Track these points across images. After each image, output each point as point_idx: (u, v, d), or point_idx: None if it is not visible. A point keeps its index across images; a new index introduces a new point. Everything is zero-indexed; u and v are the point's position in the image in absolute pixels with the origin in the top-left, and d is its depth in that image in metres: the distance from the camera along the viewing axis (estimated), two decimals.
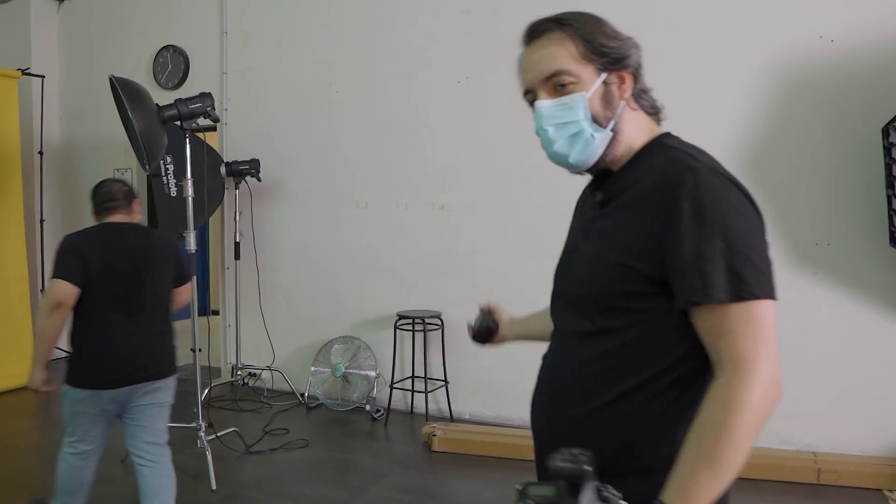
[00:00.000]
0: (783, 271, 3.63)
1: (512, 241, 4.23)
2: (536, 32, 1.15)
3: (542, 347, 1.28)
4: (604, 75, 1.11)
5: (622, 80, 1.13)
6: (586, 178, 1.25)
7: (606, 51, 1.11)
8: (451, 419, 4.41)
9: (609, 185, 1.16)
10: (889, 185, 3.13)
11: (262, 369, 5.05)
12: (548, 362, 1.22)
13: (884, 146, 3.11)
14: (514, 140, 4.23)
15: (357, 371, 4.60)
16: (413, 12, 4.53)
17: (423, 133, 4.53)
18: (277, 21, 5.03)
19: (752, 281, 0.96)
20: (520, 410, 4.28)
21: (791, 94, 3.64)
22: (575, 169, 1.15)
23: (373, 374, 4.57)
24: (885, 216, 3.20)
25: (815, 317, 3.62)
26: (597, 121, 1.10)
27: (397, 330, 4.38)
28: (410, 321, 4.35)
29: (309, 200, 4.94)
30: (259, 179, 4.83)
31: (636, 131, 1.15)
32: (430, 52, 4.48)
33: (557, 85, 1.10)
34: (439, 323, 4.39)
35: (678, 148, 1.11)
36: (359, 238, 4.77)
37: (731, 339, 0.96)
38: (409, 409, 4.56)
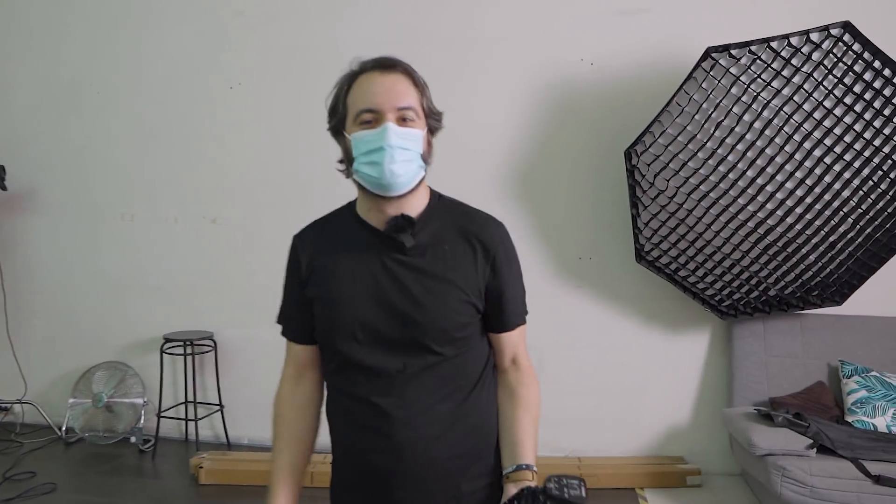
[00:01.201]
0: (551, 284, 3.80)
1: (286, 258, 4.03)
2: (391, 65, 1.30)
3: None
4: (428, 128, 1.33)
5: (431, 136, 1.35)
6: None
7: (434, 113, 1.34)
8: (229, 446, 4.16)
9: (419, 230, 1.33)
10: (633, 205, 3.29)
11: (12, 403, 4.49)
12: (385, 403, 1.31)
13: (626, 168, 3.26)
14: (290, 152, 4.05)
15: (122, 399, 4.21)
16: (181, 8, 4.19)
17: (193, 141, 4.22)
18: (27, 7, 4.46)
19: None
20: None
21: (554, 114, 3.75)
22: (394, 189, 1.28)
23: (140, 401, 4.20)
24: (632, 233, 3.37)
25: (579, 328, 3.77)
26: (424, 158, 1.30)
27: (164, 354, 4.05)
28: (180, 344, 4.04)
29: (67, 213, 4.45)
30: (5, 188, 4.28)
31: (424, 182, 1.37)
32: (201, 55, 4.18)
33: (403, 119, 1.27)
34: (212, 344, 4.12)
35: (463, 203, 1.43)
36: (124, 254, 4.36)
37: (524, 347, 1.44)
38: (184, 437, 4.24)
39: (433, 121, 1.34)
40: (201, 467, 3.64)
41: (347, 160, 1.34)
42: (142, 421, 4.18)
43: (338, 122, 1.33)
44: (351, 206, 1.43)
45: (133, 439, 4.12)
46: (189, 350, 4.05)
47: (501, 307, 1.37)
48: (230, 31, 4.13)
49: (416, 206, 1.34)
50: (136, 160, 4.31)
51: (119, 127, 4.33)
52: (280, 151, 4.09)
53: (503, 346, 1.41)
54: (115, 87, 4.32)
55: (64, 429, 4.29)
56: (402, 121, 1.26)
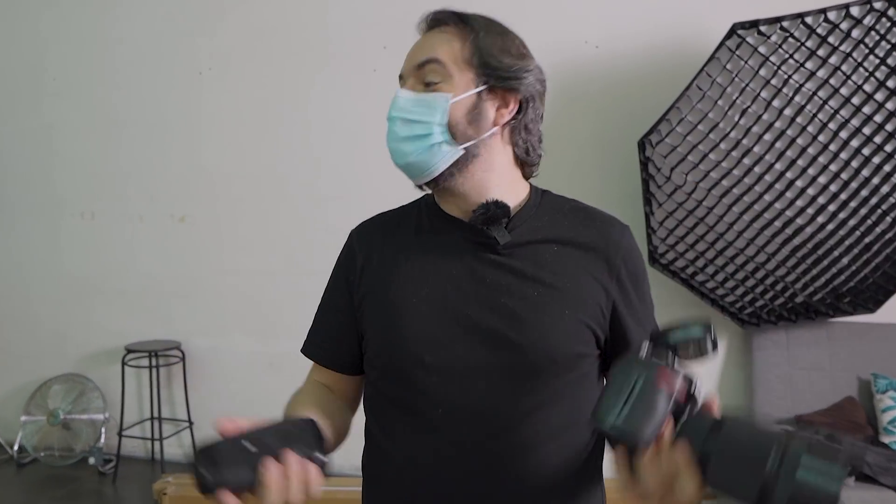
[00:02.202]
0: None
1: (263, 260, 3.70)
2: (434, 22, 1.04)
3: None
4: (481, 87, 0.99)
5: (503, 103, 1.01)
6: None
7: (495, 64, 0.99)
8: None
9: (517, 226, 1.02)
10: (646, 201, 2.96)
11: None
12: (461, 465, 0.96)
13: (640, 161, 2.93)
14: (266, 144, 3.72)
15: (81, 416, 3.85)
16: None
17: (160, 132, 3.87)
18: None
19: None
20: None
21: (557, 100, 3.44)
22: (415, 172, 1.00)
23: (100, 418, 3.84)
24: (645, 234, 3.05)
25: None
26: (453, 132, 0.98)
27: (126, 366, 3.69)
28: (144, 355, 3.68)
29: (23, 210, 4.10)
30: None
31: (507, 169, 1.04)
32: (167, 37, 3.84)
33: (425, 79, 0.99)
34: (180, 355, 3.77)
35: (575, 199, 1.10)
36: (85, 255, 4.00)
37: None
38: (150, 456, 3.89)
39: (494, 77, 0.99)
40: (165, 493, 3.27)
41: None
42: (102, 439, 3.82)
43: None
44: (429, 195, 1.12)
45: (92, 460, 3.76)
46: (154, 361, 3.69)
47: (627, 340, 1.01)
48: (200, 12, 3.80)
49: (505, 197, 1.02)
50: (97, 153, 3.98)
51: (79, 116, 3.99)
52: (255, 143, 3.75)
53: None
54: (75, 72, 3.99)
55: (16, 448, 3.93)
56: (426, 84, 0.99)
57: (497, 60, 0.99)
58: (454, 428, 0.95)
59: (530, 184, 1.10)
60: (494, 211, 0.99)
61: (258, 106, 3.73)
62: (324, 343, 1.09)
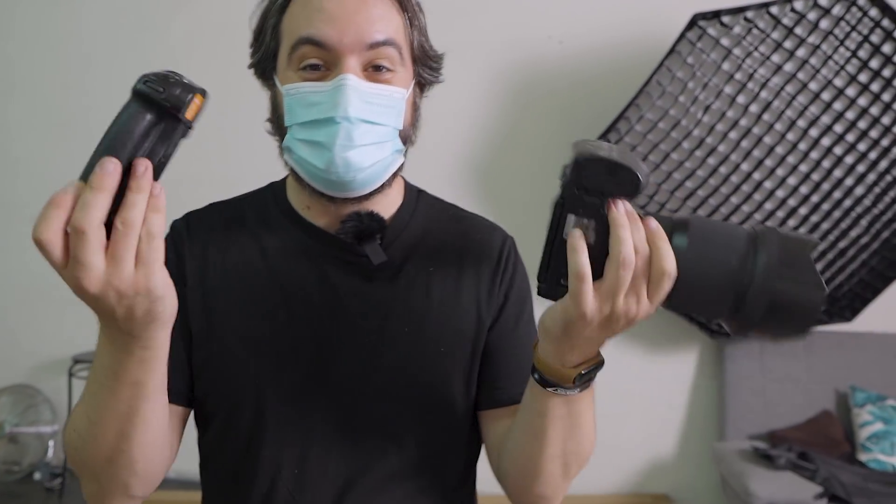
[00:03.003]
0: None
1: None
2: None
3: None
4: (413, 85, 0.85)
5: (416, 106, 0.88)
6: None
7: (431, 53, 0.86)
8: None
9: (391, 241, 0.88)
10: None
11: None
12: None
13: None
14: (221, 146, 3.58)
15: (28, 429, 3.73)
16: None
17: None
18: None
19: None
20: None
21: (520, 98, 3.36)
22: (350, 188, 0.81)
23: (48, 430, 3.72)
24: None
25: None
26: (403, 138, 0.84)
27: (73, 377, 3.58)
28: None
29: None
30: None
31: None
32: (121, 34, 3.73)
33: (375, 65, 0.79)
34: None
35: (452, 204, 0.97)
36: (35, 262, 3.81)
37: None
38: None
39: (427, 69, 0.87)
40: None
41: (276, 124, 0.87)
42: (50, 453, 3.70)
43: (263, 56, 0.86)
44: (276, 190, 0.94)
45: (38, 475, 3.64)
46: None
47: (497, 365, 0.90)
48: (159, 8, 3.71)
49: (385, 207, 0.89)
50: (47, 154, 3.86)
51: (27, 116, 3.88)
52: (209, 145, 3.61)
53: (492, 429, 0.91)
54: (25, 72, 3.88)
55: None
56: (376, 70, 0.80)
57: (431, 49, 0.87)
58: (300, 497, 0.83)
59: (404, 180, 0.95)
60: (368, 224, 0.84)
61: (216, 106, 3.57)
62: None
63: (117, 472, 0.74)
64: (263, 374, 0.83)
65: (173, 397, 0.84)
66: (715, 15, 2.61)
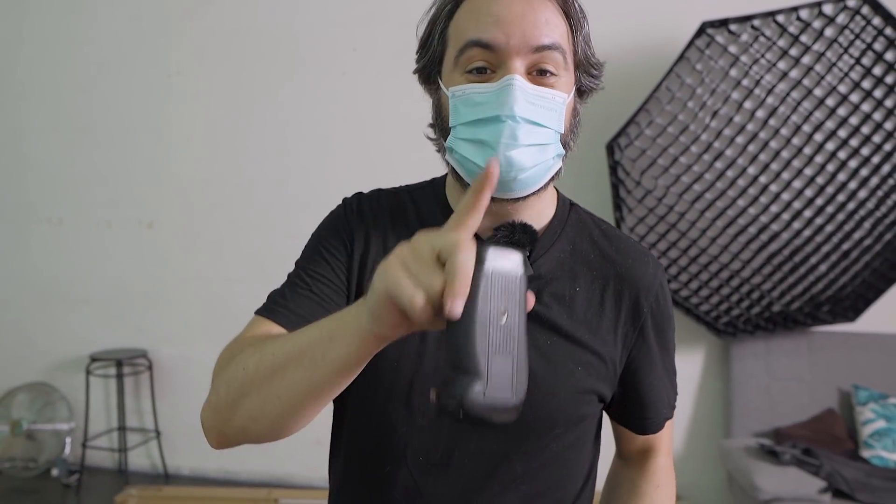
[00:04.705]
0: None
1: (231, 267, 3.61)
2: None
3: None
4: (574, 91, 0.83)
5: (576, 112, 0.85)
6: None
7: (593, 61, 0.84)
8: (166, 477, 3.71)
9: (540, 254, 0.86)
10: (616, 207, 2.87)
11: None
12: None
13: (609, 165, 2.84)
14: (235, 149, 3.64)
15: (45, 426, 3.76)
16: None
17: (128, 136, 3.79)
18: None
19: None
20: (246, 462, 3.69)
21: None
22: (511, 189, 0.79)
23: (65, 427, 3.75)
24: None
25: None
26: (564, 143, 0.82)
27: (91, 375, 3.61)
28: (110, 363, 3.60)
29: None
30: None
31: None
32: (135, 39, 3.75)
33: (541, 70, 0.78)
34: (147, 363, 3.68)
35: (605, 221, 0.95)
36: (51, 261, 3.92)
37: (670, 443, 0.99)
38: (118, 467, 3.80)
39: (587, 76, 0.84)
40: None
41: (440, 126, 0.84)
42: (67, 450, 3.73)
43: (429, 61, 0.85)
44: (438, 188, 0.93)
45: (56, 471, 3.67)
46: (120, 370, 3.60)
47: (642, 398, 0.92)
48: (168, 14, 3.71)
49: (539, 215, 0.88)
50: (64, 158, 3.89)
51: (45, 120, 3.90)
52: (224, 148, 3.67)
53: (634, 444, 0.98)
54: (41, 76, 3.89)
55: None
56: (540, 74, 0.78)
57: (593, 56, 0.84)
58: (432, 487, 0.84)
59: (557, 190, 0.93)
60: (520, 237, 0.82)
61: (227, 110, 3.65)
62: (297, 309, 0.83)
63: (255, 422, 0.72)
64: (419, 359, 0.83)
65: None
66: (723, 23, 2.64)
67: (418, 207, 0.91)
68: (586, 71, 0.84)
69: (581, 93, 0.86)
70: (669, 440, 0.99)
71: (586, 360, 0.85)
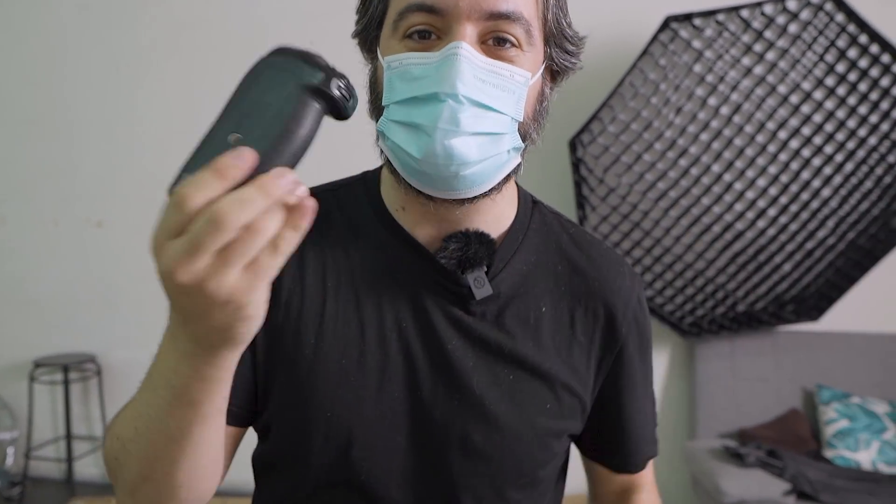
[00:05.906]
0: None
1: None
2: None
3: None
4: (542, 70, 0.69)
5: (549, 87, 0.72)
6: None
7: (569, 37, 0.70)
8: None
9: (500, 268, 0.73)
10: (579, 205, 2.81)
11: None
12: None
13: (571, 162, 2.78)
14: (187, 144, 3.47)
15: None
16: None
17: (76, 131, 3.65)
18: None
19: None
20: None
21: None
22: (454, 187, 0.65)
23: (7, 437, 3.59)
24: None
25: None
26: (522, 132, 0.68)
27: (34, 381, 3.46)
28: (55, 368, 3.45)
29: None
30: None
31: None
32: (83, 29, 3.62)
33: (499, 39, 0.64)
34: (95, 368, 3.54)
35: (573, 222, 0.82)
36: None
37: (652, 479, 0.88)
38: (65, 477, 3.64)
39: (561, 52, 0.71)
40: None
41: (374, 105, 0.71)
42: (9, 461, 3.57)
43: (368, 22, 0.71)
44: (370, 183, 0.79)
45: None
46: (67, 376, 3.46)
47: (623, 430, 0.81)
48: (118, 3, 3.58)
49: (497, 221, 0.76)
50: (7, 153, 3.74)
51: None
52: (177, 144, 3.49)
53: (611, 485, 0.87)
54: None
55: None
56: (497, 44, 0.65)
57: (569, 27, 0.71)
58: None
59: (518, 186, 0.81)
60: (476, 249, 0.71)
61: (180, 104, 3.53)
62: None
63: (157, 495, 0.63)
64: (353, 404, 0.71)
65: (231, 419, 0.71)
66: (687, 17, 2.60)
67: (348, 209, 0.77)
68: (559, 45, 0.70)
69: (554, 74, 0.72)
70: (651, 472, 0.88)
71: (556, 395, 0.74)
